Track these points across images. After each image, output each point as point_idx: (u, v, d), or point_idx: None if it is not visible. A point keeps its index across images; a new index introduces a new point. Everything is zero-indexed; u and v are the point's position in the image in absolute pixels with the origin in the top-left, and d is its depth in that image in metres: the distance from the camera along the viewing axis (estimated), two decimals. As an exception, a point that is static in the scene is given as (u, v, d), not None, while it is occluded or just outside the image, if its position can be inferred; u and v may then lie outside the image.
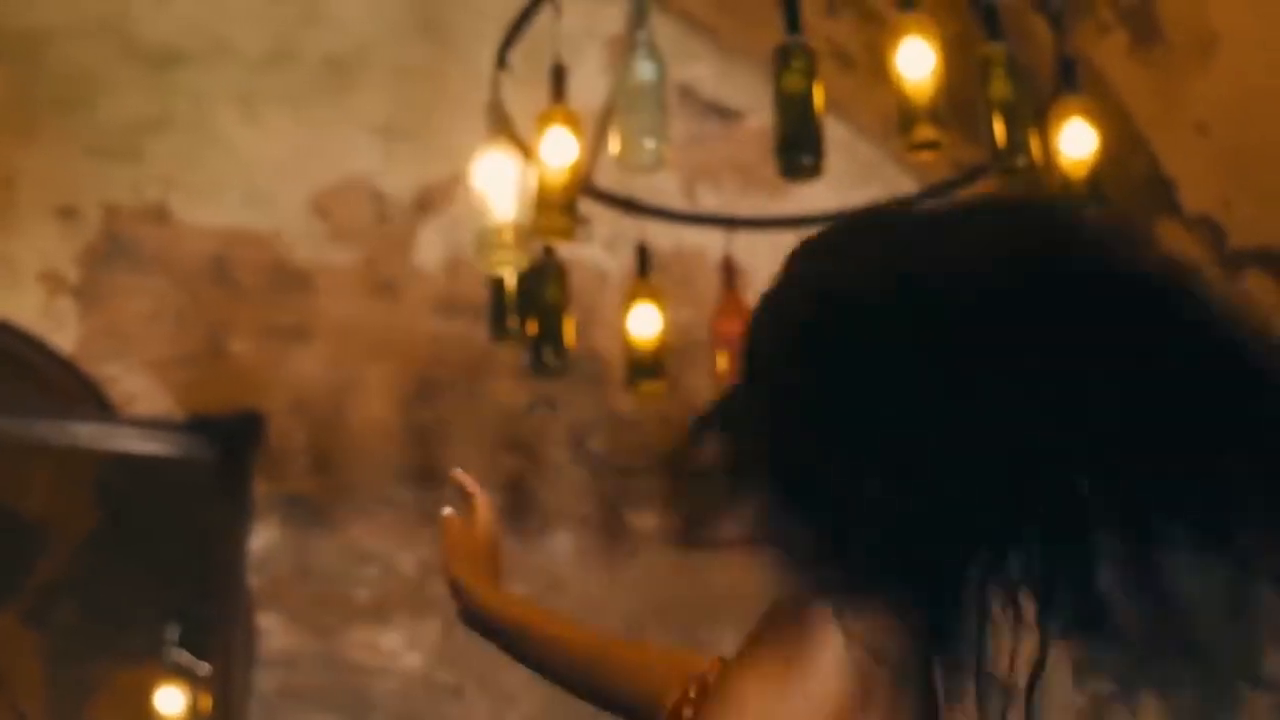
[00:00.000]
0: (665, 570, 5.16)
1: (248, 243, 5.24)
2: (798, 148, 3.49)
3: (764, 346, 1.61)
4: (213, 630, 5.06)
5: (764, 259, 5.28)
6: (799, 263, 1.65)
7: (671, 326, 4.40)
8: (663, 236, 4.91)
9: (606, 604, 5.08)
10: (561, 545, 5.13)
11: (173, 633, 5.59)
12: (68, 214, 5.15)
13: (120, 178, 5.21)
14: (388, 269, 5.30)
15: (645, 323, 4.30)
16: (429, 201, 5.34)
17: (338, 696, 4.95)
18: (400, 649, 5.01)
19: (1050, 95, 3.86)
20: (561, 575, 5.09)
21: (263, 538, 5.04)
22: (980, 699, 1.57)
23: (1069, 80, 3.86)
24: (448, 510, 2.20)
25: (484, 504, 2.20)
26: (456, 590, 2.13)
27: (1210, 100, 4.49)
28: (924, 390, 1.46)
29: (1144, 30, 4.47)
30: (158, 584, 5.59)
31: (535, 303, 4.17)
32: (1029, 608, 1.57)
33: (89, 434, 5.18)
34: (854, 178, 5.15)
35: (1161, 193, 4.78)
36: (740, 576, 1.52)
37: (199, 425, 5.06)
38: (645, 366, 4.29)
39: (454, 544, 2.15)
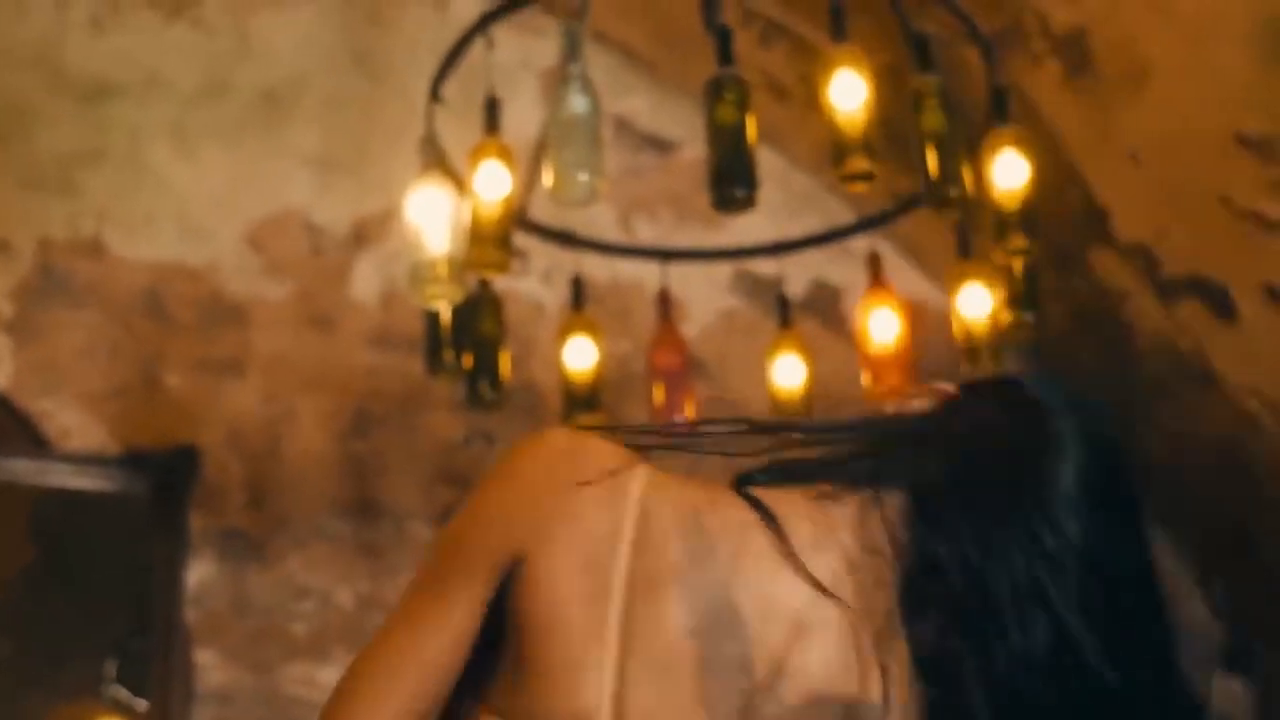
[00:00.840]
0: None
1: (182, 276, 5.22)
2: (731, 180, 3.49)
3: None
4: (150, 666, 5.02)
5: (700, 290, 5.31)
6: None
7: (609, 359, 4.40)
8: (599, 268, 4.91)
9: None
10: (499, 578, 5.11)
11: (110, 669, 5.55)
12: (0, 248, 5.12)
13: (54, 211, 5.18)
14: (323, 302, 5.28)
15: (581, 355, 4.29)
16: (364, 234, 5.33)
17: (275, 732, 4.93)
18: (338, 684, 4.99)
19: (983, 126, 3.87)
20: (500, 608, 5.08)
21: (199, 572, 5.01)
22: None
23: (1001, 111, 3.87)
24: None
25: None
26: None
27: (1143, 130, 4.51)
28: None
29: (1076, 61, 4.49)
30: (94, 620, 5.55)
31: (470, 336, 4.16)
32: None
33: (23, 470, 5.14)
34: (790, 208, 5.16)
35: (1095, 222, 4.81)
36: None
37: (134, 460, 5.03)
38: (581, 399, 4.27)
39: None
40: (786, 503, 1.47)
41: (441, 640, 1.44)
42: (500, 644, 1.45)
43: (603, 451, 1.46)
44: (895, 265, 4.88)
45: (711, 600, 1.41)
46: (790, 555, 1.43)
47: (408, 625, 1.46)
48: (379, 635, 1.48)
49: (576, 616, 1.40)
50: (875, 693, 1.44)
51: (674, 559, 1.41)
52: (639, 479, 1.44)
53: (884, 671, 1.44)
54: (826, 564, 1.45)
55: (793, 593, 1.44)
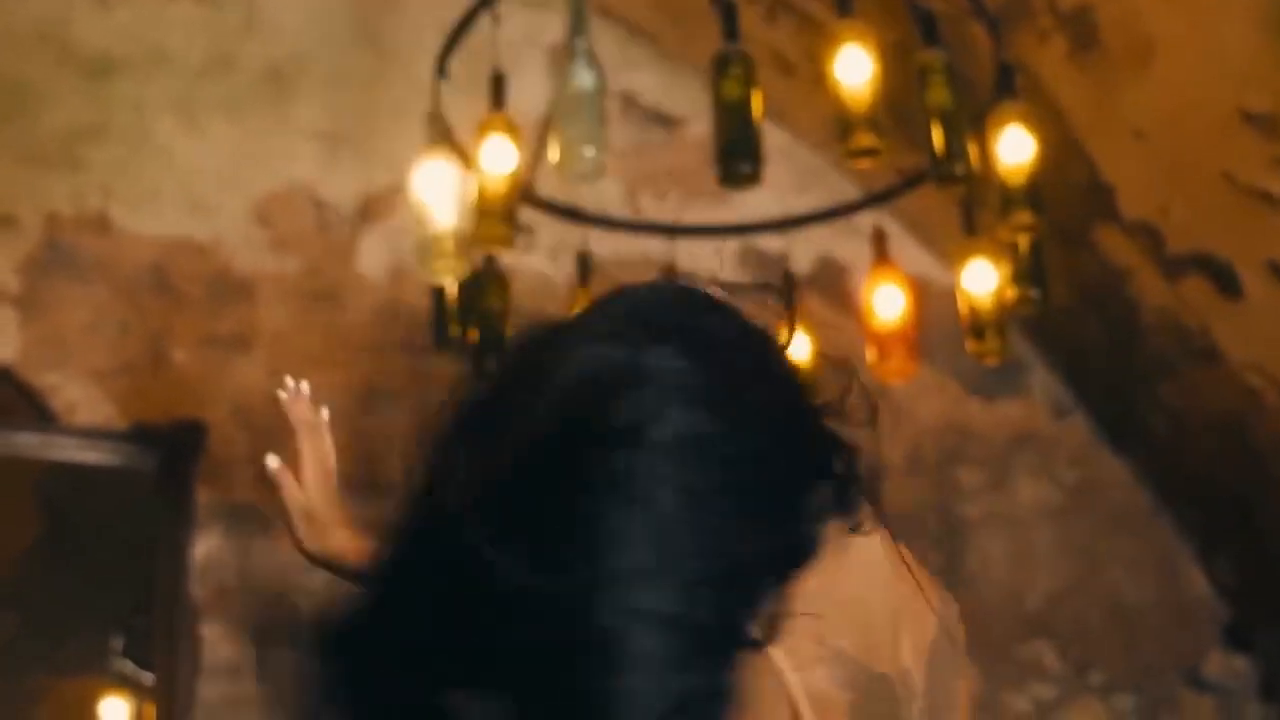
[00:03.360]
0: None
1: (188, 251, 5.23)
2: (736, 156, 3.50)
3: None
4: (156, 640, 5.03)
5: (706, 266, 5.30)
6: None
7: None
8: (606, 244, 4.91)
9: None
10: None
11: (116, 643, 5.56)
12: (7, 223, 5.13)
13: (60, 186, 5.19)
14: (329, 277, 5.29)
15: (586, 331, 4.29)
16: (371, 209, 5.33)
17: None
18: (344, 658, 5.00)
19: (988, 102, 3.88)
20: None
21: (205, 547, 5.02)
22: None
23: (1007, 86, 3.88)
24: (275, 462, 2.16)
25: (325, 438, 2.16)
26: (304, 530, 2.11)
27: (1148, 107, 4.51)
28: None
29: (1082, 37, 4.49)
30: (100, 594, 5.56)
31: (477, 311, 4.17)
32: None
33: (30, 444, 5.14)
34: (795, 184, 5.17)
35: (1100, 199, 4.81)
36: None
37: (141, 434, 5.03)
38: (586, 374, 4.28)
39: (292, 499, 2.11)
40: None
41: None
42: None
43: None
44: (900, 242, 4.89)
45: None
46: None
47: None
48: None
49: None
50: None
51: None
52: None
53: None
54: None
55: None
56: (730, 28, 3.61)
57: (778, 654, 1.35)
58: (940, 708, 1.45)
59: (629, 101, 5.47)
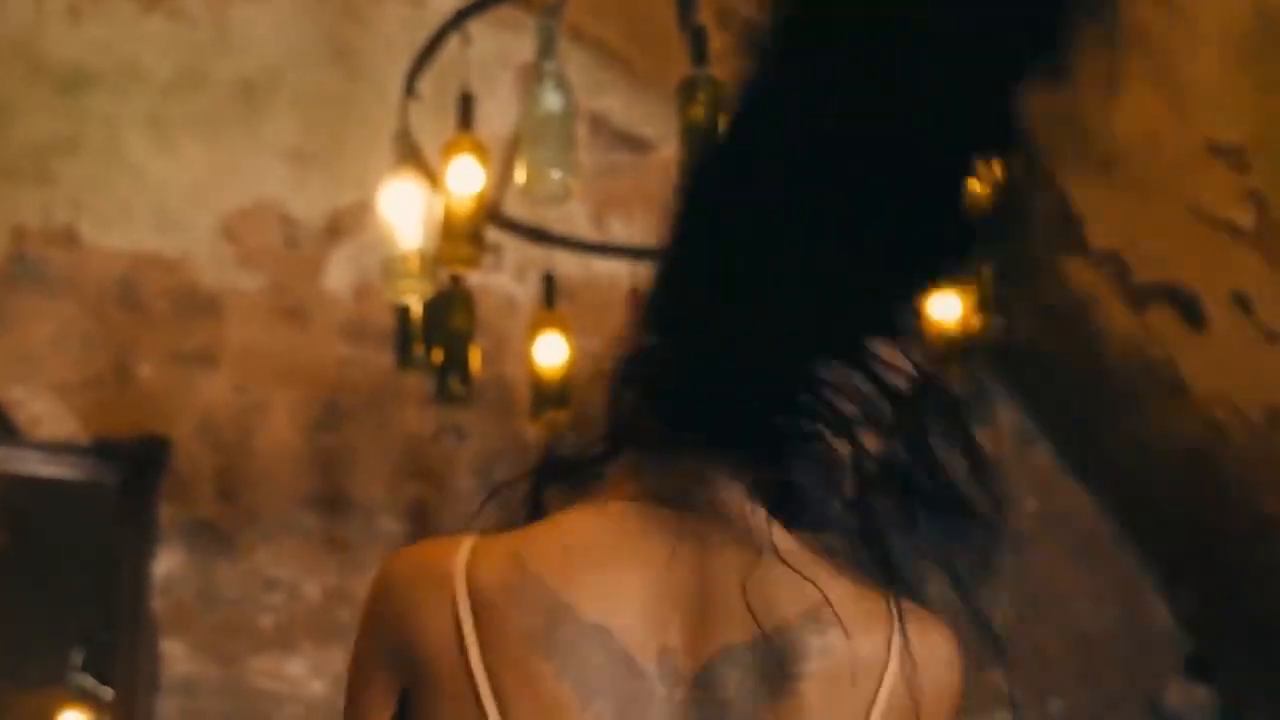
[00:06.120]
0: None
1: (156, 266, 5.22)
2: (703, 180, 3.50)
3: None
4: (116, 656, 5.02)
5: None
6: None
7: (581, 355, 4.40)
8: (573, 265, 4.92)
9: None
10: (467, 573, 5.12)
11: (76, 658, 5.54)
12: (-27, 235, 5.12)
13: (28, 200, 5.18)
14: (296, 294, 5.28)
15: (551, 352, 4.30)
16: (339, 227, 5.33)
17: (241, 724, 4.94)
18: (305, 676, 4.99)
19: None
20: (467, 603, 5.08)
21: (167, 563, 5.01)
22: None
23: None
24: None
25: None
26: None
27: (1116, 138, 4.52)
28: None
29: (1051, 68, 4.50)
30: (61, 608, 5.55)
31: (441, 330, 4.17)
32: None
33: (-7, 457, 5.14)
34: (764, 209, 5.17)
35: (1067, 230, 4.82)
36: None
37: (104, 449, 5.02)
38: (550, 396, 4.28)
39: None
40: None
41: None
42: None
43: (425, 553, 1.50)
44: (867, 268, 4.89)
45: (566, 634, 1.43)
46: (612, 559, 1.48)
47: None
48: None
49: None
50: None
51: (512, 615, 1.43)
52: (459, 557, 1.47)
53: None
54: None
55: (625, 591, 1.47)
56: (699, 52, 3.62)
57: None
58: None
59: (598, 123, 5.48)
